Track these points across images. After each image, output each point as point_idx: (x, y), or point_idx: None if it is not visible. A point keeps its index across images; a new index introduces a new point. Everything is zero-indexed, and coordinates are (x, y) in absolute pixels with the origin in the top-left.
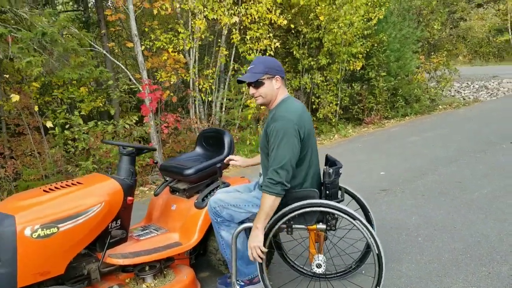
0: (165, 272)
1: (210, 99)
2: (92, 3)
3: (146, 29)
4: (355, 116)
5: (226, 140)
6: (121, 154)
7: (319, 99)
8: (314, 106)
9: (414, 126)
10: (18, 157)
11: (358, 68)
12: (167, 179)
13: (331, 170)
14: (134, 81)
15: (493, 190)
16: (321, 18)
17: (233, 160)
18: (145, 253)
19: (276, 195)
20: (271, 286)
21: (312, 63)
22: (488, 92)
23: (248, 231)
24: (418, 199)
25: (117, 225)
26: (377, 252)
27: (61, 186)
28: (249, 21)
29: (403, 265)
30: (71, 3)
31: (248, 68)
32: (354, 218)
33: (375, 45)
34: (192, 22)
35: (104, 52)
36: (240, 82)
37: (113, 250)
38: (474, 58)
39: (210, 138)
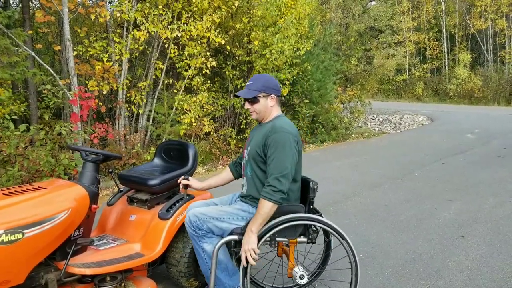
0: (124, 284)
1: (141, 111)
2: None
3: (82, 35)
4: None
5: (191, 153)
6: (86, 160)
7: (246, 120)
8: (242, 126)
9: (334, 152)
10: None
11: (285, 94)
12: (122, 188)
13: (316, 186)
14: (62, 86)
15: (416, 213)
16: (255, 43)
17: (186, 181)
18: (106, 263)
19: (275, 202)
20: None
21: (243, 84)
22: (392, 125)
23: (231, 243)
24: (352, 219)
25: (80, 233)
26: (355, 270)
27: (22, 191)
28: (187, 37)
29: (350, 278)
30: None
31: (247, 83)
32: (343, 237)
33: (300, 73)
34: (133, 33)
35: (33, 54)
36: (236, 96)
37: (73, 259)
38: (376, 93)
39: (172, 150)
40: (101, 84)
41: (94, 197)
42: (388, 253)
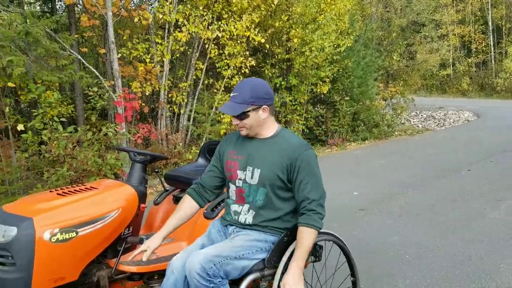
0: None
1: (182, 111)
2: (60, 5)
3: (125, 37)
4: (318, 138)
5: None
6: (134, 161)
7: (285, 119)
8: (281, 125)
9: (376, 150)
10: None
11: (325, 91)
12: (167, 188)
13: None
14: (107, 88)
15: (464, 213)
16: (295, 40)
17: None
18: (156, 261)
19: (319, 230)
20: None
21: (282, 82)
22: (436, 122)
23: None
24: (396, 219)
25: (129, 232)
26: None
27: (75, 191)
28: (227, 37)
29: (398, 280)
30: (38, 4)
31: (231, 95)
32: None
33: (341, 70)
34: (174, 34)
35: (80, 57)
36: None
37: (123, 257)
38: (419, 89)
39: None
40: (144, 85)
41: (142, 197)
42: (436, 254)
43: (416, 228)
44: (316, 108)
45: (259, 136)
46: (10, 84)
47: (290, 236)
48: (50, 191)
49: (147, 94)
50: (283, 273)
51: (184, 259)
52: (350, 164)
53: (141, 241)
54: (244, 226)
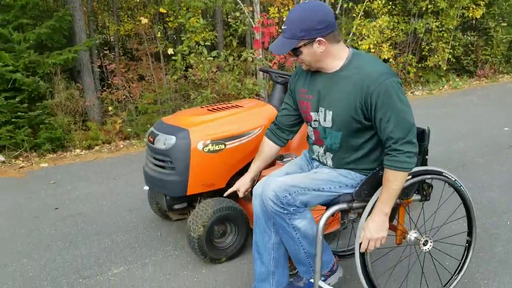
0: None
1: None
2: None
3: None
4: (466, 68)
5: None
6: (275, 82)
7: (429, 46)
8: (424, 53)
9: None
10: (135, 81)
11: (478, 16)
12: None
13: (429, 131)
14: (247, 14)
15: None
16: None
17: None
18: None
19: (409, 170)
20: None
21: (429, 6)
22: None
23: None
24: None
25: None
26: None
27: (223, 107)
28: None
29: None
30: None
31: (282, 27)
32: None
33: None
34: None
35: None
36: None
37: (264, 172)
38: None
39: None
40: (282, 10)
41: None
42: None
43: None
44: (465, 35)
45: (325, 71)
46: (162, 10)
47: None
48: (201, 107)
49: (284, 19)
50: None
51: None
52: (500, 98)
53: (280, 158)
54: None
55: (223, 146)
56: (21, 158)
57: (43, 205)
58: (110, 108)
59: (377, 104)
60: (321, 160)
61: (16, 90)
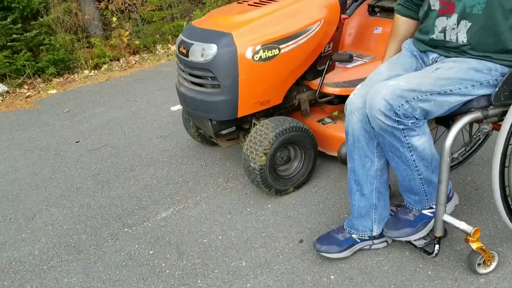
0: None
1: None
2: None
3: None
4: None
5: None
6: None
7: None
8: None
9: None
10: None
11: None
12: None
13: None
14: None
15: None
16: None
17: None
18: (358, 82)
19: None
20: None
21: None
22: None
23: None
24: None
25: (329, 49)
26: None
27: (266, 0)
28: None
29: None
30: None
31: None
32: None
33: None
34: None
35: None
36: None
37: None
38: None
39: None
40: None
41: (343, 5)
42: None
43: None
44: None
45: None
46: None
47: None
48: (239, 2)
49: None
50: None
51: (365, 94)
52: None
53: (350, 58)
54: (456, 49)
55: (277, 52)
56: (25, 86)
57: (61, 139)
58: (114, 19)
59: None
60: (447, 37)
61: (6, 10)
